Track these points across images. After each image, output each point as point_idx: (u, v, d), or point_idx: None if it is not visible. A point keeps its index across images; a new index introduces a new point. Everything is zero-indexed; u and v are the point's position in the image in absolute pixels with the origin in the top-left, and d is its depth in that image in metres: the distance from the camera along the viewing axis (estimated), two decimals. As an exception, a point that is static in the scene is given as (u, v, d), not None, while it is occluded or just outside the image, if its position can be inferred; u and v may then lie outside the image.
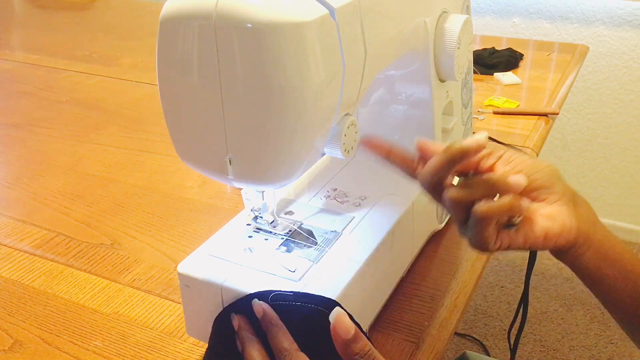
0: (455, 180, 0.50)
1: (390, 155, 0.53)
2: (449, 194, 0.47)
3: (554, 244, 0.49)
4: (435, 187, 0.49)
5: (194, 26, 0.42)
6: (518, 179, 0.48)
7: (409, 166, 0.52)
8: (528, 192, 0.51)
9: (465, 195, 0.47)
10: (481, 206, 0.46)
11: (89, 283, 0.69)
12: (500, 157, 0.51)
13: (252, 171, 0.47)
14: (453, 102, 0.70)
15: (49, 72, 1.38)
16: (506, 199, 0.46)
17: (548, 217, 0.49)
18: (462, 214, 0.48)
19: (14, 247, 0.75)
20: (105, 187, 0.89)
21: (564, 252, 0.51)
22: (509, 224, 0.48)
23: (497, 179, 0.47)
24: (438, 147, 0.50)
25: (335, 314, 0.44)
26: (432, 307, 0.62)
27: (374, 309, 0.59)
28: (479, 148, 0.47)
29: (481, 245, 0.48)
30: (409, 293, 0.64)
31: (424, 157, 0.52)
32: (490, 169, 0.51)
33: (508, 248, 0.49)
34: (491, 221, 0.47)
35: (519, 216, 0.48)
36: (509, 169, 0.51)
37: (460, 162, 0.47)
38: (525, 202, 0.49)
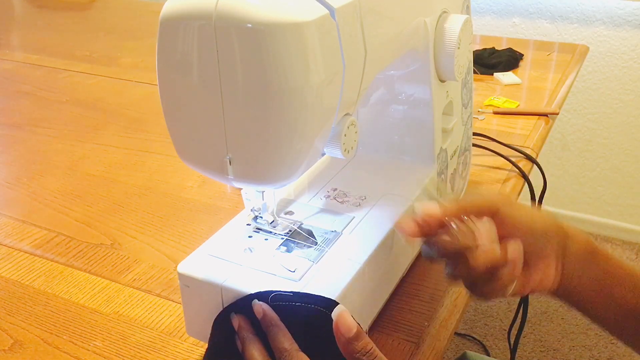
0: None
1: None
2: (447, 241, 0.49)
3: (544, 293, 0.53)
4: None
5: (194, 26, 0.42)
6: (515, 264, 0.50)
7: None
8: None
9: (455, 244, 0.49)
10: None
11: (89, 283, 0.69)
12: (496, 212, 0.51)
13: (252, 171, 0.47)
14: (453, 102, 0.70)
15: (49, 72, 1.38)
16: (506, 271, 0.49)
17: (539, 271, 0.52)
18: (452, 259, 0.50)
19: (14, 247, 0.75)
20: (105, 187, 0.89)
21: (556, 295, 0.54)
22: None
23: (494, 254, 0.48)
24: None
25: (338, 311, 0.44)
26: (432, 307, 0.62)
27: (374, 309, 0.59)
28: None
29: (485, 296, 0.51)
30: (409, 293, 0.64)
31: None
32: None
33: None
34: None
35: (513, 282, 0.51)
36: (505, 233, 0.51)
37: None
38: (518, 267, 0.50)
